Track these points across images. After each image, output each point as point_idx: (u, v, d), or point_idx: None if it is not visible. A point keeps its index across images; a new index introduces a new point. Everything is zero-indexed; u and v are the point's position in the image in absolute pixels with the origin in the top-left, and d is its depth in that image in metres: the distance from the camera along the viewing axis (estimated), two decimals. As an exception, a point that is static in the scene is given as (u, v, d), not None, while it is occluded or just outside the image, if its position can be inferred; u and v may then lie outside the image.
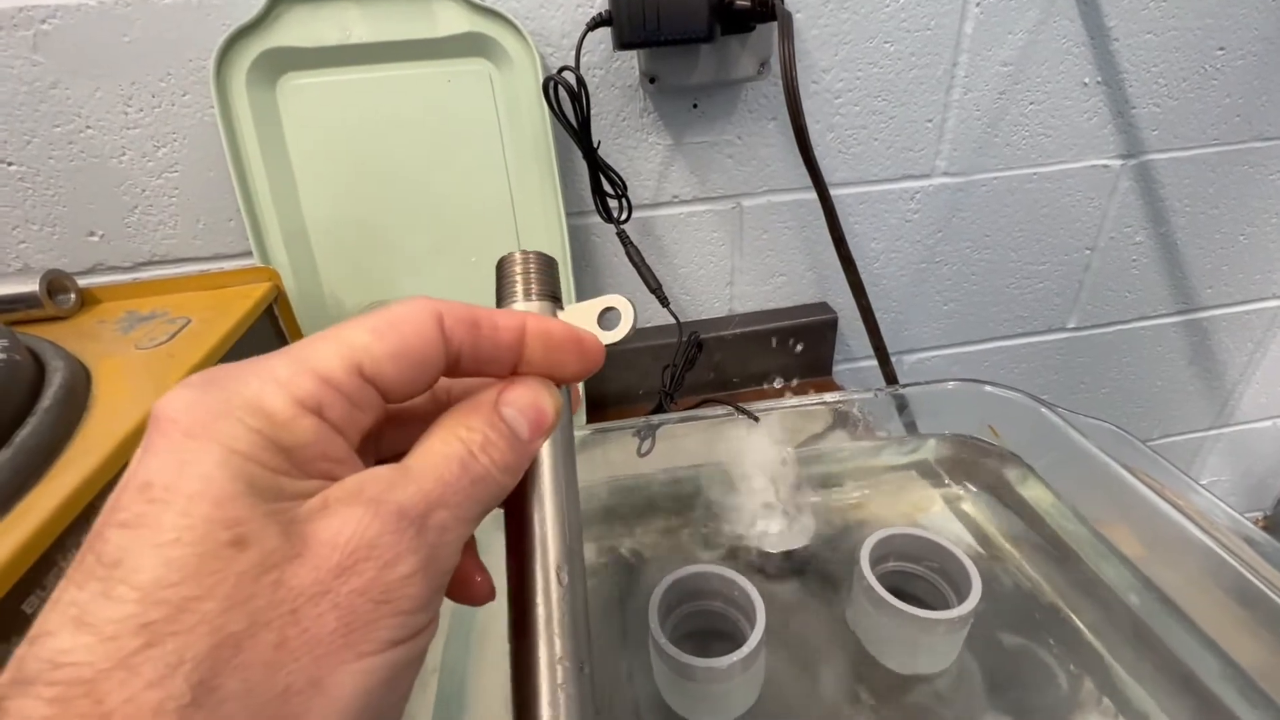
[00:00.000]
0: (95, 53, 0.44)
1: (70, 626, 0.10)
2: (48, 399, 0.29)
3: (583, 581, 0.16)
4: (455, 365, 0.15)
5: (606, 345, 0.18)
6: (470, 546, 0.18)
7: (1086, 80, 0.56)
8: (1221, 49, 0.57)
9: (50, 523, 0.24)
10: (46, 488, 0.26)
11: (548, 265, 0.19)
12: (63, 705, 0.09)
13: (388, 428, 0.16)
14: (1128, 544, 0.32)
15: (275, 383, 0.12)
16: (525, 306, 0.18)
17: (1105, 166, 0.61)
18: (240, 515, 0.11)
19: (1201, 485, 0.31)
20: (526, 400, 0.16)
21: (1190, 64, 0.57)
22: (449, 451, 0.14)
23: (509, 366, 0.16)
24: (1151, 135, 0.60)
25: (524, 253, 0.19)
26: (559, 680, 0.15)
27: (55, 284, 0.41)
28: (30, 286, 0.40)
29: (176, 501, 0.11)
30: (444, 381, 0.17)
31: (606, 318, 0.19)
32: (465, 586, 0.17)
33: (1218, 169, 0.63)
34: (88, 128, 0.46)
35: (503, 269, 0.19)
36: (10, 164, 0.46)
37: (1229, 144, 0.62)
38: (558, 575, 0.16)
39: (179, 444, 0.11)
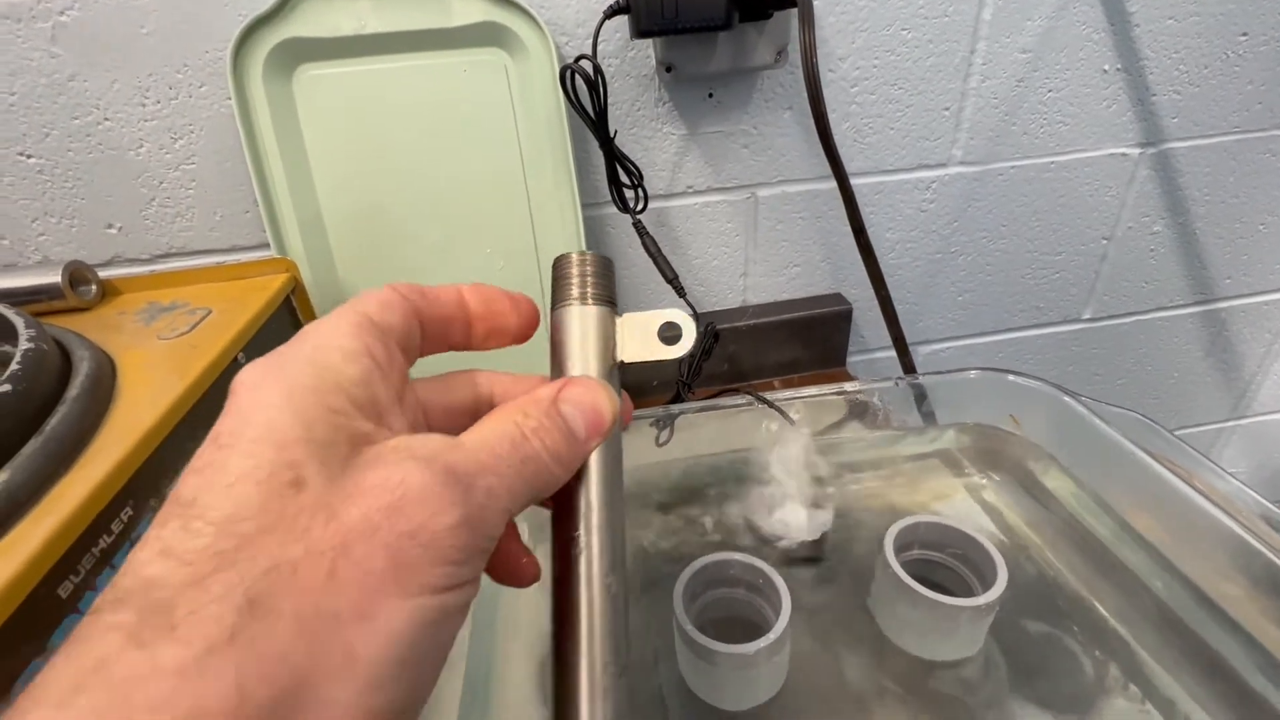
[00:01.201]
0: (113, 44, 0.44)
1: (158, 556, 0.11)
2: (75, 388, 0.30)
3: (625, 589, 0.17)
4: (423, 329, 0.16)
5: (662, 360, 0.18)
6: (516, 532, 0.18)
7: (1106, 67, 0.56)
8: (1244, 34, 0.56)
9: (83, 509, 0.25)
10: (78, 475, 0.26)
11: (605, 268, 0.19)
12: (142, 616, 0.10)
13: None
14: (1153, 531, 0.31)
15: (329, 330, 0.14)
16: (581, 310, 0.18)
17: (1124, 155, 0.60)
18: (299, 458, 0.12)
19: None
20: (586, 400, 0.17)
21: (1212, 50, 0.56)
22: (502, 430, 0.15)
23: (463, 326, 0.17)
24: (1171, 123, 0.59)
25: (581, 254, 0.19)
26: (600, 685, 0.16)
27: (77, 275, 0.41)
28: (53, 278, 0.40)
29: (241, 445, 0.12)
30: (488, 389, 0.18)
31: (666, 332, 0.19)
32: (512, 567, 0.18)
33: (1239, 157, 0.62)
34: (106, 120, 0.46)
35: (559, 270, 0.19)
36: (29, 156, 0.46)
37: (1251, 131, 0.61)
38: (605, 584, 0.16)
39: (246, 399, 0.13)
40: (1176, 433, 0.81)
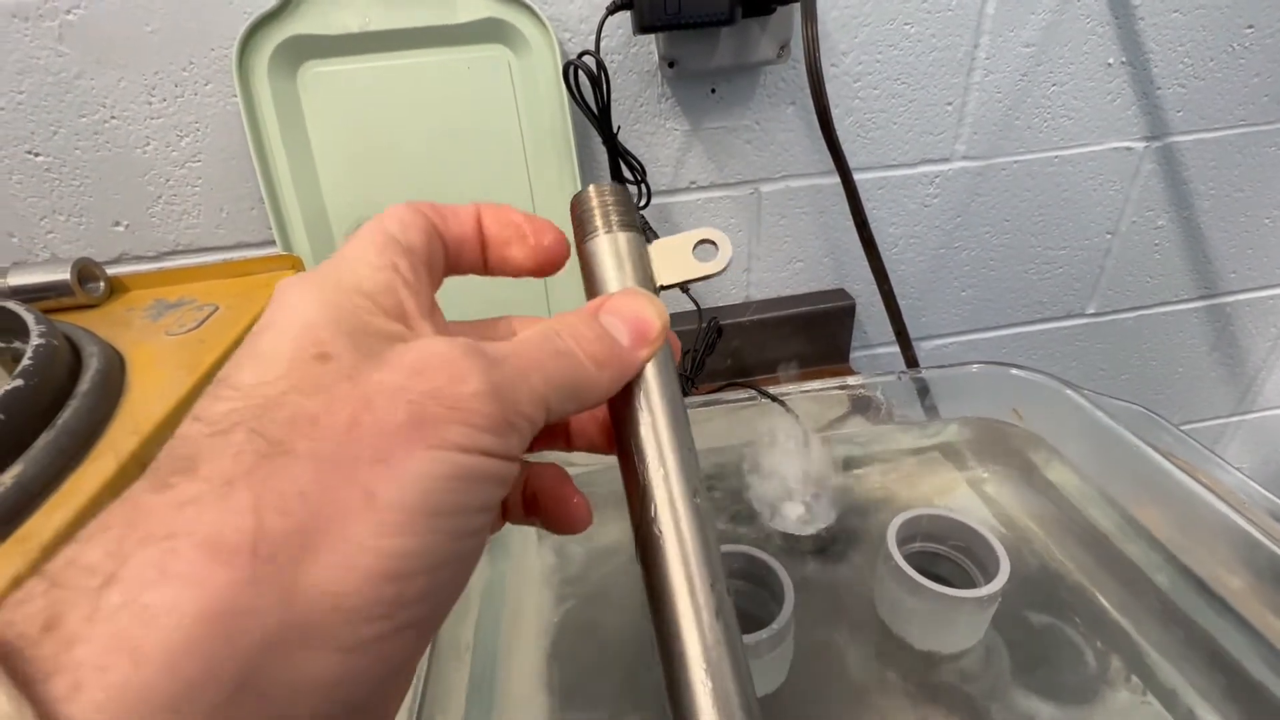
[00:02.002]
0: (119, 43, 0.44)
1: (188, 422, 0.12)
2: (86, 383, 0.30)
3: (711, 508, 0.16)
4: (445, 254, 0.16)
5: (703, 277, 0.18)
6: (565, 475, 0.18)
7: (1110, 61, 0.56)
8: (1250, 27, 0.56)
9: (94, 501, 0.25)
10: (89, 468, 0.26)
11: (625, 197, 0.18)
12: (168, 466, 0.11)
13: None
14: (1156, 525, 0.32)
15: (356, 246, 0.14)
16: (610, 238, 0.17)
17: (1128, 149, 0.60)
18: (326, 338, 0.13)
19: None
20: (628, 309, 0.16)
21: (1218, 43, 0.56)
22: (534, 330, 0.15)
23: (478, 250, 0.17)
24: (1176, 116, 0.59)
25: (599, 186, 0.18)
26: (710, 607, 0.14)
27: (85, 272, 0.42)
28: (61, 275, 0.40)
29: (273, 329, 0.13)
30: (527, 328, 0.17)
31: (702, 250, 0.18)
32: (561, 505, 0.17)
33: (1244, 150, 0.62)
34: (112, 118, 0.46)
35: (579, 206, 0.18)
36: (38, 155, 0.47)
37: (1257, 125, 0.60)
38: (691, 500, 0.15)
39: (281, 301, 0.13)
40: (1181, 428, 0.81)
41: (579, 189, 0.53)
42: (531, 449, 0.17)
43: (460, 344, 0.13)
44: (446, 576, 0.12)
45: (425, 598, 0.12)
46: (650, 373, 0.16)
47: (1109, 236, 0.65)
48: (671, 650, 0.14)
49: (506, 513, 0.18)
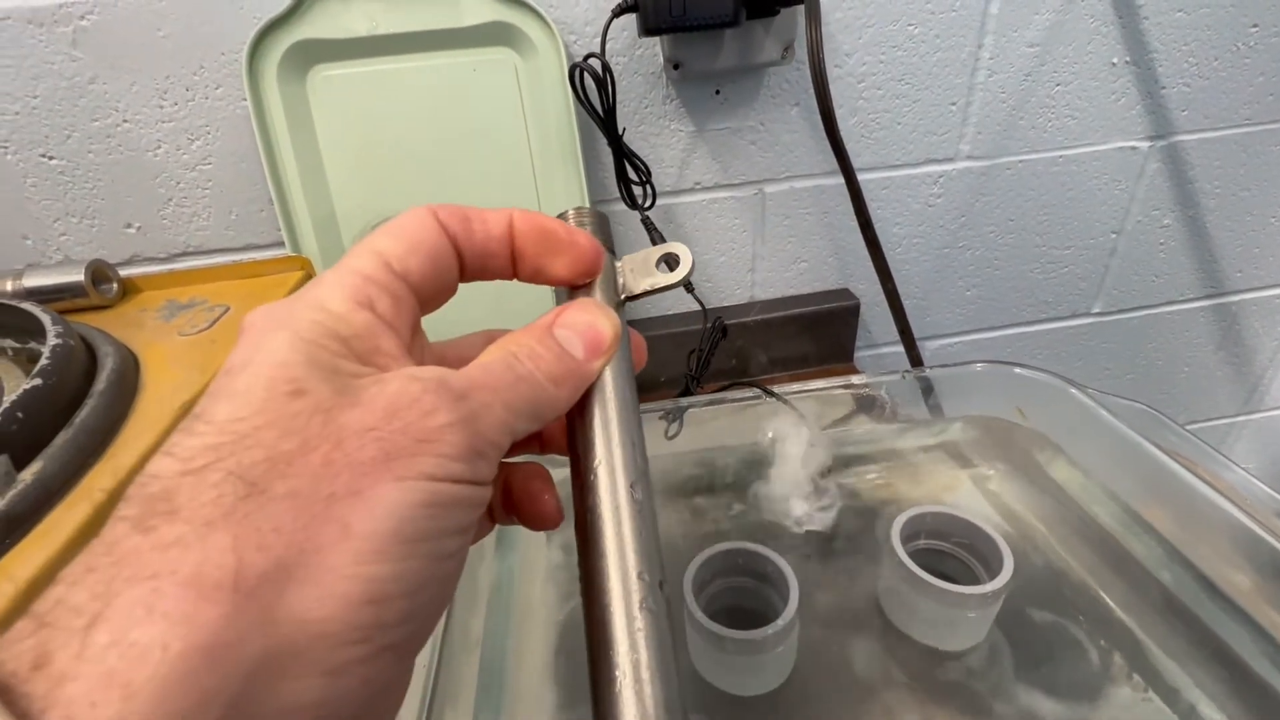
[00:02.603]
0: (131, 48, 0.45)
1: (159, 458, 0.12)
2: (101, 382, 0.31)
3: (652, 503, 0.16)
4: (462, 262, 0.16)
5: (666, 286, 0.19)
6: (543, 472, 0.18)
7: (1115, 60, 0.56)
8: (1255, 25, 0.56)
9: (111, 499, 0.25)
10: (106, 465, 0.27)
11: (600, 220, 0.19)
12: (146, 507, 0.11)
13: None
14: (1160, 522, 0.32)
15: (331, 286, 0.14)
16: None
17: (1133, 148, 0.60)
18: (300, 375, 0.13)
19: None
20: (581, 321, 0.17)
21: (1222, 42, 0.56)
22: (495, 356, 0.15)
23: (506, 260, 0.17)
24: (1181, 116, 0.59)
25: (577, 209, 0.19)
26: (636, 596, 0.14)
27: (99, 273, 0.42)
28: (75, 276, 0.41)
29: (248, 369, 0.13)
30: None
31: (665, 262, 0.19)
32: (533, 502, 0.18)
33: (1249, 149, 0.62)
34: (125, 121, 0.47)
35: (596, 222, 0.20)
36: (51, 158, 0.47)
37: (1262, 124, 0.60)
38: (629, 494, 0.15)
39: (253, 338, 0.14)
40: (1187, 428, 0.81)
41: (582, 191, 0.53)
42: (506, 456, 0.18)
43: (430, 381, 0.14)
44: (424, 599, 0.13)
45: (404, 620, 0.12)
46: (606, 377, 0.17)
47: (1114, 236, 0.65)
48: (595, 638, 0.14)
49: (490, 514, 0.19)
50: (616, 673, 0.14)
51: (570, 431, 0.17)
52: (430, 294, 0.16)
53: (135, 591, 0.10)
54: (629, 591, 0.14)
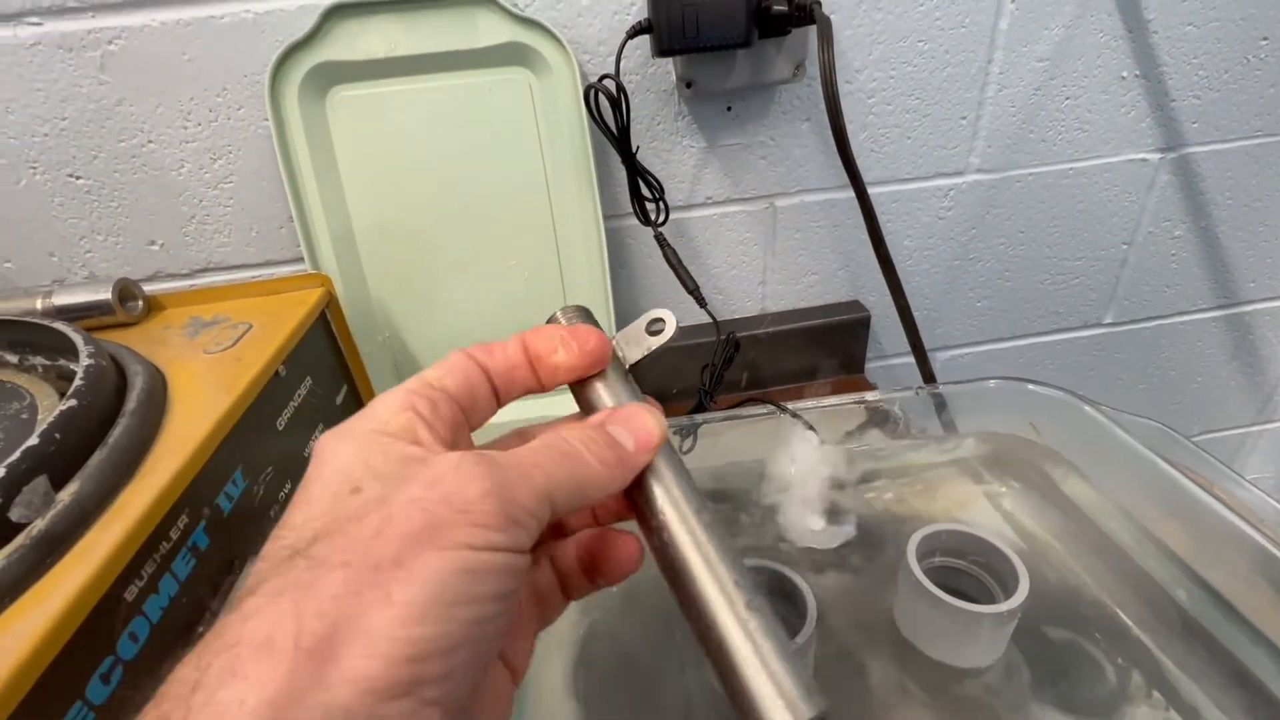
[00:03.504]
0: (158, 71, 0.46)
1: (255, 563, 0.15)
2: (132, 401, 0.31)
3: (716, 521, 0.18)
4: (492, 380, 0.19)
5: (658, 348, 0.21)
6: (608, 530, 0.20)
7: (1125, 74, 0.56)
8: (1265, 39, 0.56)
9: (146, 517, 0.26)
10: (139, 484, 0.28)
11: (586, 314, 0.21)
12: (239, 597, 0.14)
13: None
14: (1174, 540, 0.32)
15: (383, 400, 0.17)
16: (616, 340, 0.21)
17: (1144, 160, 0.60)
18: (358, 475, 0.15)
19: (1248, 479, 0.31)
20: (633, 420, 0.19)
21: (1233, 55, 0.56)
22: (542, 439, 0.18)
23: (528, 370, 0.19)
24: (1192, 128, 0.59)
25: (563, 309, 0.21)
26: (740, 601, 0.16)
27: (125, 292, 0.43)
28: (103, 295, 0.42)
29: (318, 479, 0.16)
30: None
31: (653, 327, 0.21)
32: (612, 548, 0.20)
33: (1261, 160, 0.62)
34: (150, 142, 0.48)
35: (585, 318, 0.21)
36: (79, 178, 0.49)
37: (1273, 135, 0.60)
38: (698, 517, 0.17)
39: (322, 455, 0.16)
40: (1200, 438, 0.81)
41: (596, 208, 0.54)
42: (566, 532, 0.21)
43: (470, 456, 0.15)
44: (462, 658, 0.14)
45: (443, 678, 0.13)
46: (660, 461, 0.19)
47: (1125, 247, 0.65)
48: (717, 654, 0.16)
49: (565, 590, 0.21)
50: (748, 672, 0.15)
51: (634, 507, 0.19)
52: (468, 403, 0.18)
53: (222, 659, 0.13)
54: (732, 601, 0.16)
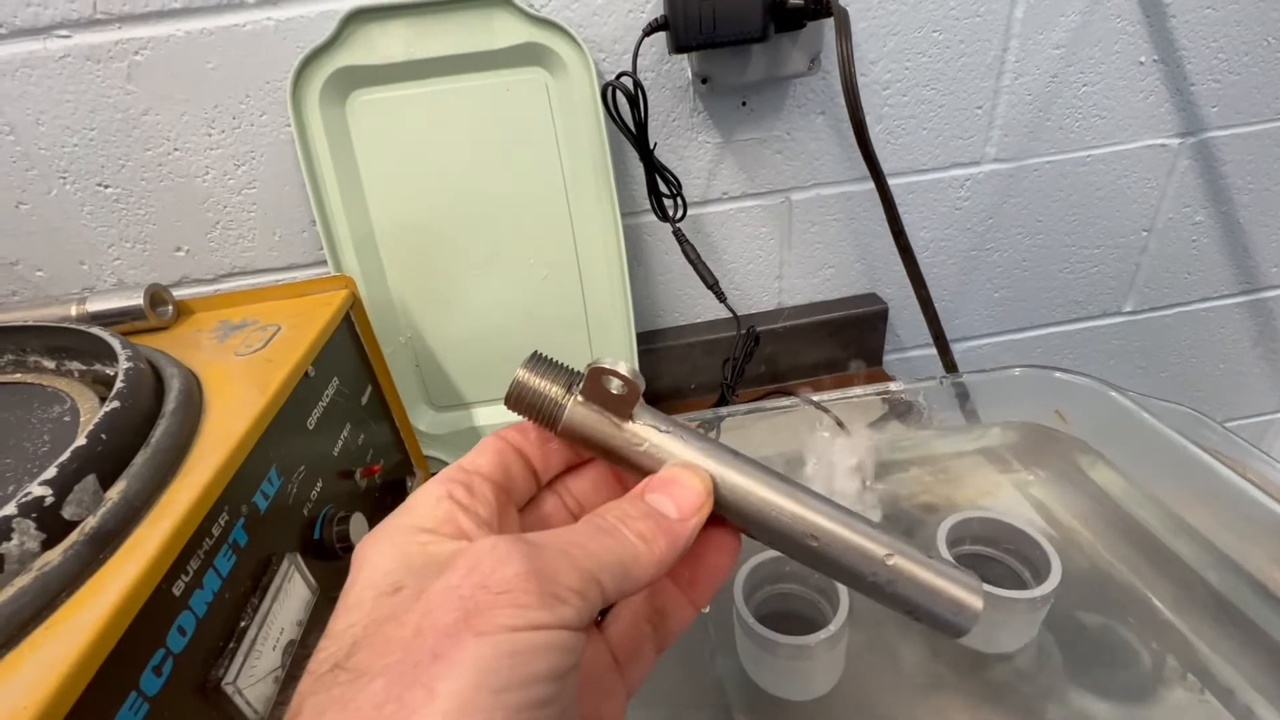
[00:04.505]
0: (182, 80, 0.47)
1: (303, 678, 0.15)
2: (171, 402, 0.32)
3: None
4: (529, 460, 0.19)
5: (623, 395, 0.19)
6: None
7: (1143, 59, 0.56)
8: (1285, 20, 0.55)
9: (191, 514, 0.27)
10: (182, 483, 0.28)
11: (549, 364, 0.19)
12: (288, 717, 0.14)
13: None
14: (1206, 524, 0.32)
15: (420, 492, 0.17)
16: (584, 408, 0.19)
17: (1163, 146, 0.60)
18: (398, 576, 0.15)
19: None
20: (672, 484, 0.18)
21: (1253, 37, 0.56)
22: (583, 520, 0.17)
23: (562, 454, 0.19)
24: (1211, 112, 0.59)
25: (527, 369, 0.19)
26: (886, 543, 0.18)
27: (156, 297, 0.44)
28: (135, 300, 0.43)
29: (357, 584, 0.16)
30: None
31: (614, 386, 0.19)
32: (705, 555, 0.19)
33: (1283, 143, 0.61)
34: (175, 150, 0.49)
35: (524, 398, 0.19)
36: (107, 186, 0.50)
37: (1295, 117, 0.60)
38: (824, 511, 0.18)
39: (361, 558, 0.16)
40: (1225, 425, 0.80)
41: (613, 204, 0.54)
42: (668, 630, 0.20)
43: (507, 538, 0.15)
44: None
45: None
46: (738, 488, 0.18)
47: (1145, 234, 0.64)
48: (889, 587, 0.18)
49: (664, 635, 0.20)
50: (936, 582, 0.17)
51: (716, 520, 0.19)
52: (506, 482, 0.18)
53: None
54: (881, 544, 0.18)
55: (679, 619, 0.20)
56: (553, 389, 0.19)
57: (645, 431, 0.19)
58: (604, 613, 0.20)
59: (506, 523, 0.18)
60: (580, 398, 0.19)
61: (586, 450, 0.19)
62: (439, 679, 0.13)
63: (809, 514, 0.18)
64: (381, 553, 0.16)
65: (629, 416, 0.19)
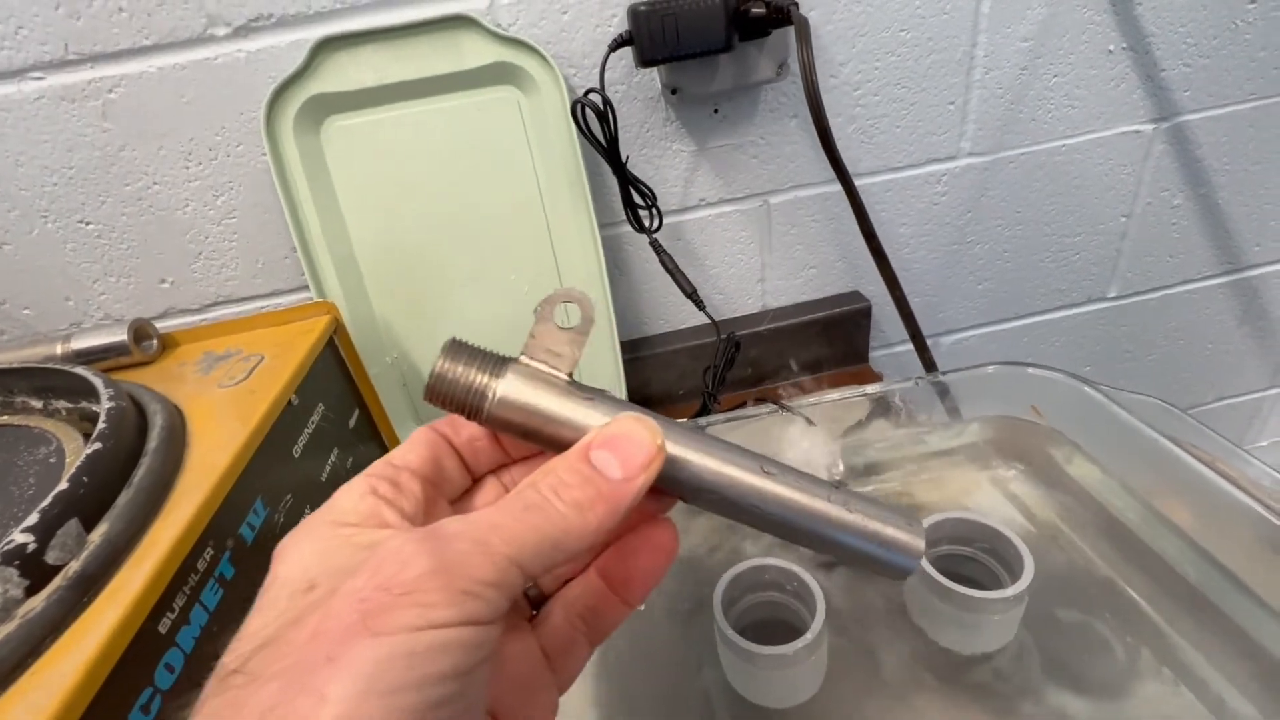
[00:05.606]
0: (157, 115, 0.47)
1: (210, 679, 0.14)
2: (154, 440, 0.33)
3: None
4: (459, 452, 0.19)
5: (589, 334, 0.18)
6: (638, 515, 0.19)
7: (1111, 47, 0.56)
8: (1252, 2, 0.55)
9: (174, 551, 0.27)
10: (166, 520, 0.29)
11: (468, 349, 0.18)
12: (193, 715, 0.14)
13: None
14: (1180, 516, 0.32)
15: (344, 489, 0.17)
16: (511, 381, 0.18)
17: (1137, 132, 0.60)
18: (314, 574, 0.15)
19: (1263, 444, 0.31)
20: (617, 437, 0.16)
21: (1219, 21, 0.56)
22: (513, 491, 0.16)
23: (492, 440, 0.19)
24: (1184, 96, 0.59)
25: (448, 356, 0.18)
26: (827, 494, 0.18)
27: (140, 332, 0.45)
28: (119, 336, 0.43)
29: (274, 583, 0.15)
30: None
31: (562, 314, 0.19)
32: (640, 549, 0.19)
33: (1257, 124, 0.61)
34: (154, 184, 0.50)
35: (445, 389, 0.18)
36: (88, 223, 0.50)
37: (1267, 97, 0.60)
38: (763, 470, 0.18)
39: (280, 556, 0.16)
40: (1214, 405, 0.80)
41: (590, 218, 0.54)
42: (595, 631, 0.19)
43: (416, 533, 0.14)
44: None
45: None
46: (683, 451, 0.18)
47: (1124, 219, 0.65)
48: (830, 537, 0.18)
49: (596, 632, 0.19)
50: (881, 530, 0.18)
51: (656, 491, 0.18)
52: (436, 476, 0.18)
53: None
54: (827, 497, 0.18)
55: (612, 617, 0.19)
56: (477, 376, 0.18)
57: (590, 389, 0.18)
58: (537, 607, 0.20)
59: (435, 517, 0.17)
60: (524, 361, 0.18)
61: (519, 438, 0.18)
62: (330, 682, 0.13)
63: (754, 458, 0.18)
64: (300, 550, 0.16)
65: (575, 363, 0.18)
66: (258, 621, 0.15)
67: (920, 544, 0.18)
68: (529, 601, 0.20)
